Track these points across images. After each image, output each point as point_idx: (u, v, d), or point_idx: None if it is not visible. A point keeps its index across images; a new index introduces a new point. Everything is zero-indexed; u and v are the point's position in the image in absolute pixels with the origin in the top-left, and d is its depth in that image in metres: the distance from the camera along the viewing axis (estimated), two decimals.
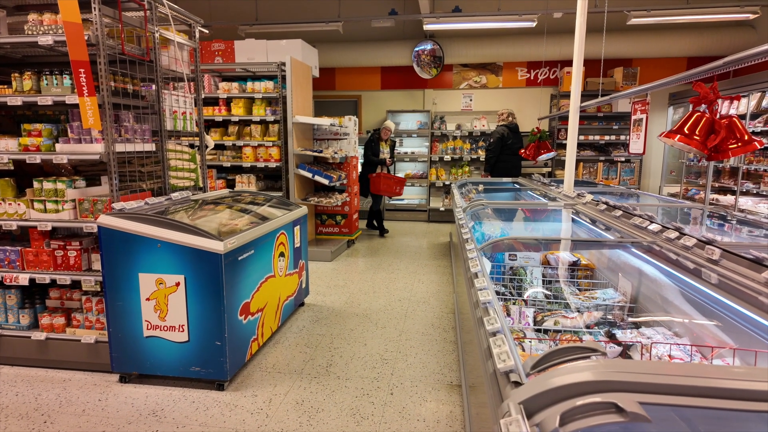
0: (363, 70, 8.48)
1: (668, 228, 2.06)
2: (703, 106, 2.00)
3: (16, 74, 2.77)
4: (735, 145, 1.87)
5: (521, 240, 2.52)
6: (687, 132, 1.95)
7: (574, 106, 3.58)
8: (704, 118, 1.95)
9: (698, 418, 0.94)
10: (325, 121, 5.60)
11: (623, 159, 7.62)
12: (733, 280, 1.50)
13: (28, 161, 2.67)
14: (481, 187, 5.02)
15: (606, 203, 2.90)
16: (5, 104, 2.68)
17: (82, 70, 2.43)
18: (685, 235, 1.92)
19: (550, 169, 7.89)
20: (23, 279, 2.79)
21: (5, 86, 2.91)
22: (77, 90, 2.45)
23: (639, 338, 1.74)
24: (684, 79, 2.09)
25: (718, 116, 1.95)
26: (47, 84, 2.69)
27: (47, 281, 2.80)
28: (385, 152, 6.64)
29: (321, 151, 5.59)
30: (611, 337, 1.77)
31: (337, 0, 7.21)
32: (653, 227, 2.15)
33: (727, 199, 5.74)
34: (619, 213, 2.57)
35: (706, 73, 1.95)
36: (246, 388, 2.66)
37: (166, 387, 2.66)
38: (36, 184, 2.75)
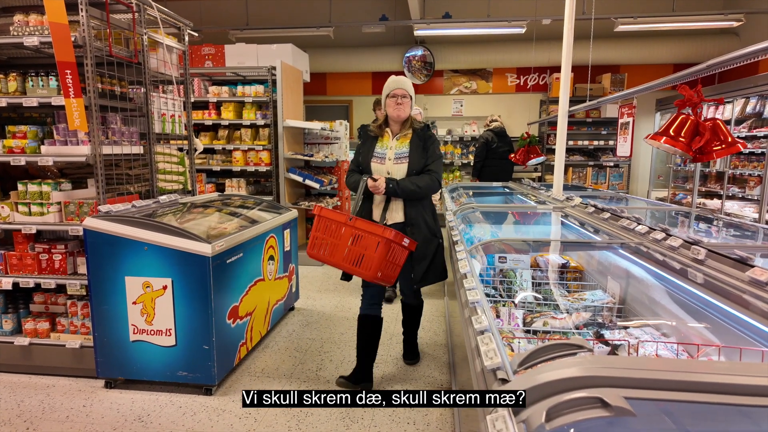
0: (354, 75, 8.50)
1: (655, 229, 2.08)
2: (687, 108, 2.03)
3: (1, 75, 2.74)
4: (719, 147, 1.90)
5: (510, 242, 2.53)
6: (672, 134, 1.97)
7: (562, 110, 3.62)
8: (689, 121, 1.98)
9: (683, 412, 0.94)
10: (315, 125, 5.60)
11: (612, 164, 7.70)
12: (719, 280, 1.52)
13: (12, 163, 2.63)
14: (471, 192, 5.04)
15: (594, 206, 2.92)
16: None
17: (68, 72, 2.41)
18: (671, 236, 1.94)
19: (539, 174, 7.95)
20: (6, 283, 2.74)
21: None
22: (63, 91, 2.43)
23: (627, 338, 1.75)
24: (670, 82, 2.12)
25: (702, 119, 1.98)
26: (33, 85, 2.66)
27: (31, 285, 2.75)
28: (388, 158, 2.61)
29: (312, 155, 5.58)
30: (599, 337, 1.78)
31: (327, 6, 7.24)
32: (640, 229, 2.17)
33: (714, 203, 5.82)
34: (607, 215, 2.59)
35: (691, 76, 1.98)
36: (234, 392, 2.62)
37: (152, 392, 2.62)
38: (20, 187, 2.71)
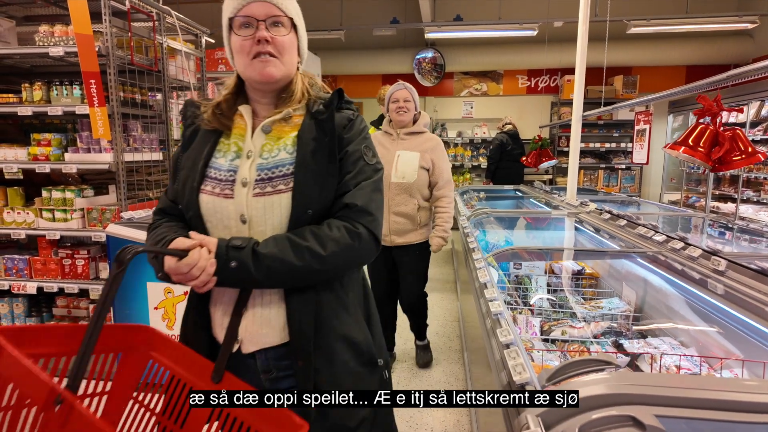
0: (364, 77, 8.53)
1: (673, 238, 2.09)
2: (707, 118, 2.03)
3: (27, 84, 2.80)
4: (739, 157, 1.90)
5: (528, 250, 2.54)
6: (691, 144, 1.98)
7: (576, 115, 3.61)
8: (708, 130, 1.98)
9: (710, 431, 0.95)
10: None
11: (624, 166, 7.66)
12: (740, 291, 1.53)
13: (37, 171, 2.70)
14: (483, 195, 5.05)
15: (610, 212, 2.93)
16: (15, 114, 2.71)
17: (92, 81, 2.46)
18: (690, 245, 1.94)
19: (551, 177, 7.93)
20: (31, 287, 2.80)
21: (11, 94, 2.93)
22: (88, 100, 2.48)
23: (646, 348, 1.76)
24: (686, 91, 2.12)
25: (721, 128, 1.98)
26: (57, 94, 2.72)
27: (55, 290, 2.81)
28: (242, 182, 1.02)
29: None
30: (618, 347, 1.79)
31: (338, 8, 7.27)
32: (658, 237, 2.18)
33: (728, 206, 5.78)
34: (623, 222, 2.59)
35: (710, 86, 1.98)
36: None
37: None
38: (45, 193, 2.77)
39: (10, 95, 2.92)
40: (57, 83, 2.73)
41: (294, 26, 1.08)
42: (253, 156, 1.05)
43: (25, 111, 2.67)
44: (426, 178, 2.60)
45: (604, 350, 1.79)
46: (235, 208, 1.02)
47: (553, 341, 1.87)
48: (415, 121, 2.67)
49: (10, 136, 3.36)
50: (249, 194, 1.02)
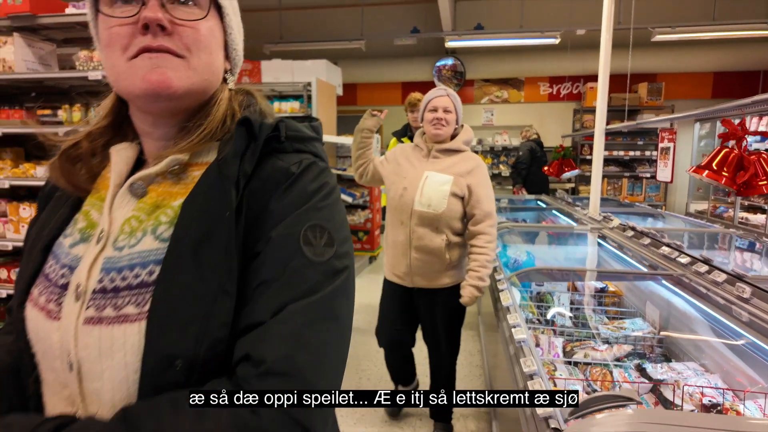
0: (384, 85, 8.61)
1: (698, 260, 2.09)
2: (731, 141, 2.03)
3: (66, 106, 2.95)
4: (765, 182, 1.90)
5: (550, 270, 2.56)
6: (716, 168, 1.98)
7: (599, 128, 3.59)
8: (732, 154, 1.98)
9: None
10: (349, 140, 5.72)
11: (648, 175, 7.54)
12: (765, 321, 1.53)
13: None
14: (503, 205, 5.04)
15: (633, 228, 2.91)
16: (56, 134, 2.86)
17: None
18: (715, 269, 1.94)
19: (573, 185, 7.86)
20: None
21: (48, 109, 3.11)
22: None
23: (669, 373, 1.77)
24: (711, 113, 2.13)
25: (746, 152, 1.98)
26: (95, 116, 2.86)
27: None
28: (75, 296, 0.56)
29: (345, 169, 5.71)
30: (641, 371, 1.81)
31: (359, 18, 7.37)
32: (682, 259, 2.17)
33: (757, 218, 5.64)
34: (647, 241, 2.59)
35: (733, 109, 1.98)
36: None
37: None
38: None
39: (47, 110, 3.10)
40: (95, 105, 2.87)
41: (218, 7, 0.64)
42: (105, 240, 0.59)
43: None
44: (459, 208, 2.05)
45: (626, 374, 1.80)
46: (60, 341, 0.55)
47: (576, 364, 1.89)
48: (454, 137, 2.20)
49: (51, 153, 3.54)
50: (81, 318, 0.55)
